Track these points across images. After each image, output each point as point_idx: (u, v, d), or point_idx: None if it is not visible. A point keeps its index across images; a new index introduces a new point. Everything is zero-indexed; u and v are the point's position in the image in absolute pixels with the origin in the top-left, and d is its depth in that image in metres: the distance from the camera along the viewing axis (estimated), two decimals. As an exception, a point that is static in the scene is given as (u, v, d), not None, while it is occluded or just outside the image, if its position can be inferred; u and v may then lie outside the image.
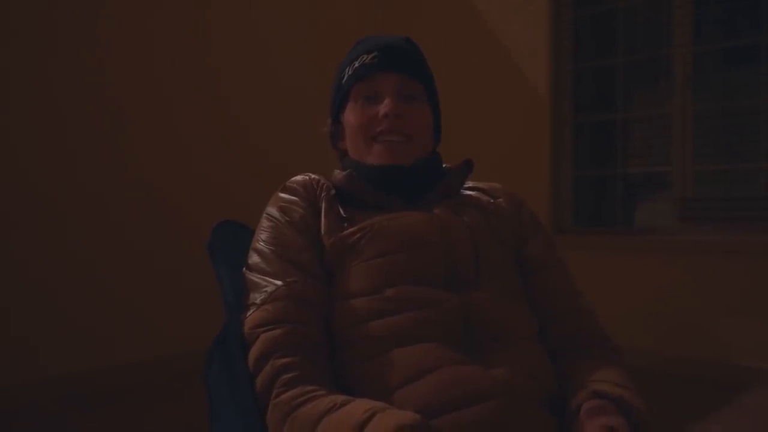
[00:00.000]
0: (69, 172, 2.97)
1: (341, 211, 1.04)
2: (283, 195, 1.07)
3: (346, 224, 1.01)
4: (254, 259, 1.00)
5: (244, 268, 1.01)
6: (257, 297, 0.95)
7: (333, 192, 1.06)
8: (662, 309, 3.28)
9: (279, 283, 0.94)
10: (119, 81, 3.13)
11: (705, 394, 2.90)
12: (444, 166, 1.16)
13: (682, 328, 3.24)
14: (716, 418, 2.59)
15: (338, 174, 1.09)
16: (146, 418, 2.66)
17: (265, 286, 0.95)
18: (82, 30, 3.01)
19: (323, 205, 1.04)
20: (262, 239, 1.01)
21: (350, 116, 1.09)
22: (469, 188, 1.16)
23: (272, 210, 1.05)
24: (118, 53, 3.14)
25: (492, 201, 1.12)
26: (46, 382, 2.84)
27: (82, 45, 3.01)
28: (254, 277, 0.98)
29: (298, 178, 1.09)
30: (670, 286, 3.27)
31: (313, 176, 1.10)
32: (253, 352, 0.90)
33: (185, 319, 3.20)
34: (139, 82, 3.21)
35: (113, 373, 3.05)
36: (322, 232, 1.01)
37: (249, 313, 0.94)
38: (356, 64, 1.08)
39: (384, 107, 1.04)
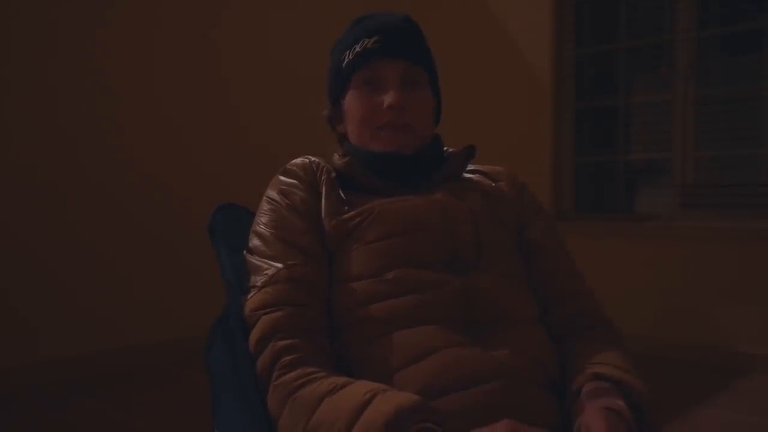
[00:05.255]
0: (73, 159, 3.00)
1: (342, 194, 1.03)
2: (283, 178, 1.06)
3: (346, 207, 1.01)
4: (255, 242, 1.00)
5: (244, 251, 1.01)
6: (258, 280, 0.94)
7: (333, 175, 1.06)
8: (662, 295, 3.29)
9: (279, 265, 0.94)
10: (119, 75, 3.16)
11: (703, 379, 2.91)
12: (445, 149, 1.15)
13: (681, 313, 3.25)
14: (713, 402, 2.60)
15: (338, 159, 1.08)
16: (148, 400, 2.68)
17: (266, 269, 0.95)
18: (82, 27, 3.04)
19: (323, 188, 1.03)
20: (262, 222, 1.01)
21: (352, 104, 1.07)
22: (471, 171, 1.15)
23: (272, 193, 1.04)
24: (117, 48, 3.16)
25: (493, 184, 1.12)
26: (48, 365, 2.86)
27: (81, 42, 3.04)
28: (255, 260, 0.97)
29: (298, 161, 1.08)
30: (670, 272, 3.28)
31: (313, 159, 1.08)
32: (254, 334, 0.90)
33: (188, 303, 3.21)
34: (138, 76, 3.23)
35: (116, 355, 3.08)
36: (323, 214, 1.00)
37: (250, 296, 0.94)
38: (357, 49, 1.05)
39: (388, 98, 1.02)
